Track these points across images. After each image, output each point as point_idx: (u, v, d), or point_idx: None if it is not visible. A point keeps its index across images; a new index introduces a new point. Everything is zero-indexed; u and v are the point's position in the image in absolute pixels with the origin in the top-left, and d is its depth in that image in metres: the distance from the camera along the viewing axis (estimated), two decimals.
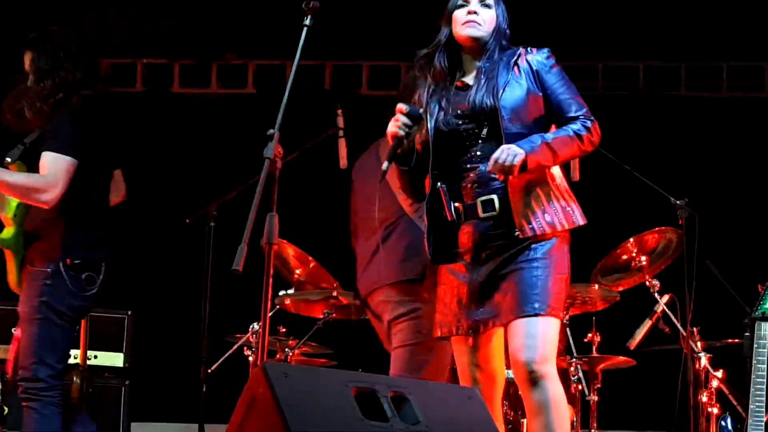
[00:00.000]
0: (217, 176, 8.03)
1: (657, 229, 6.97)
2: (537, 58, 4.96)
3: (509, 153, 4.61)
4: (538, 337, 4.65)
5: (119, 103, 9.39)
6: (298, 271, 6.98)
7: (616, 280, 7.18)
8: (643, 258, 7.01)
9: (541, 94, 4.89)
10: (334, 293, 6.80)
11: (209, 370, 6.54)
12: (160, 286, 8.18)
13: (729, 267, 6.87)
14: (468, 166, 4.82)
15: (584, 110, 4.91)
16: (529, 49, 4.99)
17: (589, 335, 7.18)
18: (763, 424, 5.83)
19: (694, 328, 6.77)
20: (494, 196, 4.76)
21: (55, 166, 5.39)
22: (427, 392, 4.36)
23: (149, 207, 8.69)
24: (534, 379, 4.63)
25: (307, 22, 4.95)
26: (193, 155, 9.11)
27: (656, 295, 6.95)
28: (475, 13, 4.86)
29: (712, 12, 8.40)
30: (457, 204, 4.79)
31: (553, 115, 4.90)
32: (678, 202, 6.83)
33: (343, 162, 6.75)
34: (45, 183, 5.39)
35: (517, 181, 4.73)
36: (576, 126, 4.85)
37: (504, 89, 4.81)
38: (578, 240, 7.60)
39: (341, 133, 6.76)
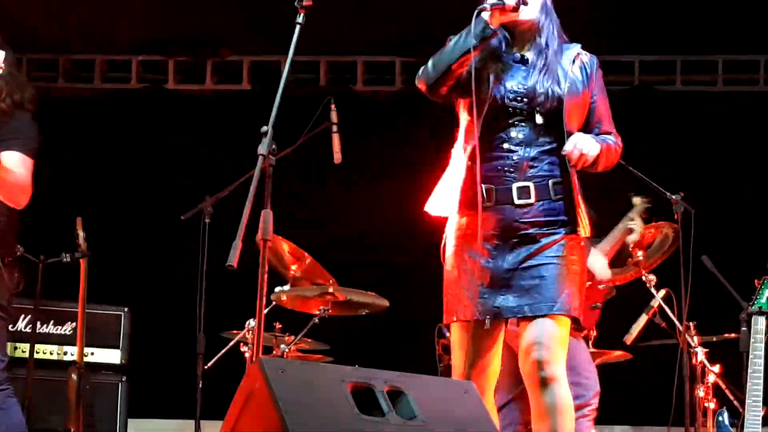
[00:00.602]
0: (213, 173, 8.02)
1: (653, 224, 6.97)
2: (592, 62, 4.99)
3: (590, 144, 4.64)
4: (554, 338, 4.63)
5: (115, 99, 9.44)
6: (293, 267, 6.97)
7: (612, 274, 7.18)
8: (640, 253, 7.01)
9: (587, 99, 4.87)
10: (330, 289, 6.79)
11: (206, 367, 6.54)
12: (156, 282, 8.17)
13: (725, 262, 6.87)
14: (505, 146, 4.71)
15: (614, 129, 4.95)
16: (583, 50, 5.00)
17: (586, 330, 7.18)
18: (760, 418, 5.84)
19: (691, 323, 6.78)
20: (530, 184, 4.69)
21: (25, 167, 5.41)
22: (424, 387, 4.36)
23: (145, 204, 8.69)
24: (544, 381, 4.61)
25: (300, 19, 4.95)
26: (189, 152, 9.11)
27: (652, 290, 6.95)
28: None
29: (707, 6, 8.40)
30: (489, 186, 4.69)
31: (587, 122, 4.87)
32: (674, 197, 6.82)
33: (337, 157, 6.76)
34: (27, 183, 5.42)
35: (574, 176, 4.71)
36: (615, 140, 4.90)
37: (567, 81, 4.78)
38: None
39: (335, 128, 6.77)
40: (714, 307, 6.91)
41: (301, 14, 4.97)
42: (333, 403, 4.16)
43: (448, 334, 7.30)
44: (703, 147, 8.59)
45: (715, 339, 6.93)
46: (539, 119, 4.70)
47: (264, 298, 4.74)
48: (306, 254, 6.98)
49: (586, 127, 4.83)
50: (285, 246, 6.94)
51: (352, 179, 8.06)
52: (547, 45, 4.84)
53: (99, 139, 9.25)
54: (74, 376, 6.87)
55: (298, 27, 5.05)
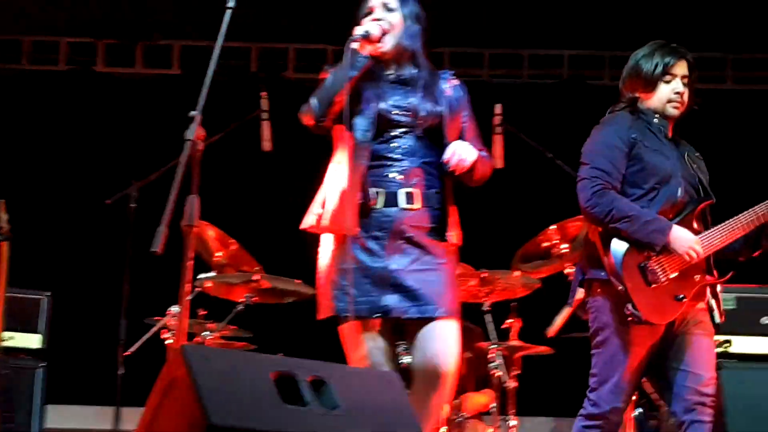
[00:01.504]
0: (140, 157, 7.96)
1: (579, 217, 7.00)
2: (462, 88, 5.19)
3: (468, 150, 4.82)
4: (453, 343, 4.87)
5: (42, 81, 9.36)
6: (219, 254, 6.94)
7: (536, 267, 7.22)
8: (565, 246, 7.05)
9: (460, 120, 5.07)
10: (255, 276, 6.77)
11: (127, 353, 6.50)
12: (80, 267, 8.11)
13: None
14: (392, 155, 4.89)
15: (485, 148, 5.15)
16: (450, 74, 5.23)
17: (509, 321, 7.22)
18: None
19: None
20: (416, 191, 4.88)
21: None
22: (347, 377, 4.36)
23: (71, 187, 8.62)
24: (443, 384, 4.87)
25: (231, 3, 4.94)
26: (117, 136, 9.05)
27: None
28: (380, 19, 4.97)
29: (635, 1, 8.47)
30: (377, 189, 4.84)
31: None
32: None
33: (267, 144, 6.74)
34: None
35: (450, 183, 4.92)
36: (487, 155, 5.11)
37: (445, 101, 5.01)
38: (500, 227, 7.65)
39: (265, 115, 6.75)
40: None
41: None
42: (256, 392, 4.14)
43: None
44: None
45: None
46: (421, 133, 4.92)
47: (188, 285, 4.73)
48: (232, 241, 6.96)
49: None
50: (211, 232, 6.91)
51: (281, 167, 8.04)
52: (421, 67, 5.08)
53: (25, 121, 9.19)
54: None
55: (228, 12, 5.03)
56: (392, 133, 4.92)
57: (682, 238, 5.01)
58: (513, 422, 7.06)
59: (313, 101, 4.90)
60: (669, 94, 5.22)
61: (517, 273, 7.16)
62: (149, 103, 9.19)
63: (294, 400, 4.16)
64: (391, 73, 5.06)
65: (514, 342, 7.18)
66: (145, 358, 6.73)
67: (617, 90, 8.77)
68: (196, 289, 6.83)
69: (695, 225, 5.11)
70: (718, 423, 4.28)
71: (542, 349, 7.25)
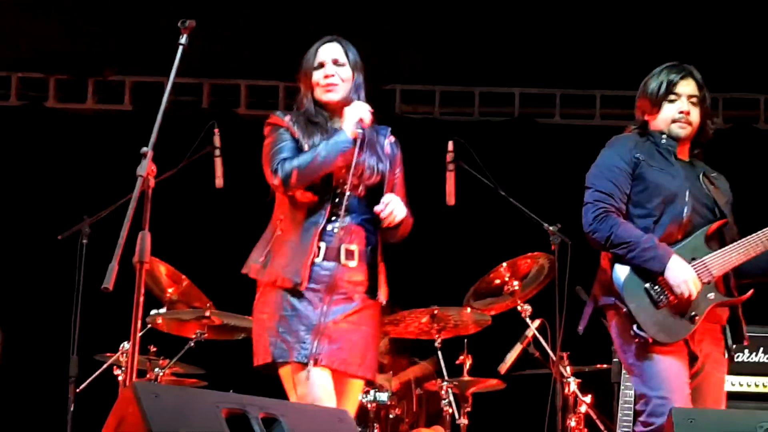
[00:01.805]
0: (92, 193, 7.92)
1: (529, 254, 7.04)
2: (397, 144, 5.32)
3: (400, 206, 4.98)
4: (351, 400, 5.13)
5: None
6: (170, 290, 6.93)
7: (488, 304, 7.23)
8: (516, 283, 7.08)
9: (395, 176, 5.24)
10: (207, 313, 6.76)
11: (78, 389, 6.46)
12: (29, 303, 8.05)
13: None
14: (337, 212, 4.97)
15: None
16: (388, 130, 5.33)
17: (461, 358, 7.23)
18: None
19: (564, 353, 6.85)
20: (355, 248, 5.02)
21: None
22: (299, 414, 4.35)
23: (21, 223, 8.57)
24: None
25: (183, 40, 4.94)
26: (68, 172, 9.00)
27: (527, 319, 7.02)
28: (332, 75, 5.10)
29: (586, 41, 8.50)
30: (320, 243, 4.95)
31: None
32: (551, 228, 6.89)
33: (219, 181, 6.73)
34: None
35: (381, 240, 5.10)
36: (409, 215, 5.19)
37: (386, 158, 5.15)
38: (452, 264, 7.65)
39: (218, 152, 6.74)
40: (587, 337, 6.96)
41: (184, 35, 4.97)
42: (207, 429, 4.13)
43: None
44: (580, 179, 8.67)
45: (587, 369, 7.01)
46: (362, 191, 5.06)
47: (139, 321, 4.70)
48: (184, 277, 6.95)
49: None
50: (162, 268, 6.89)
51: (233, 203, 8.02)
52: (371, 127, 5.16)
53: None
54: None
55: (180, 48, 5.02)
56: (338, 191, 5.00)
57: (677, 271, 4.95)
58: None
59: (295, 173, 4.95)
60: (674, 113, 5.18)
61: (468, 310, 7.17)
62: (101, 139, 9.14)
63: None
64: (338, 126, 5.12)
65: (466, 378, 7.19)
66: (96, 394, 6.70)
67: (568, 128, 8.84)
68: (148, 325, 6.83)
69: (711, 245, 5.06)
70: None
71: (493, 384, 7.26)
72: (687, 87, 5.17)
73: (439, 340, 7.25)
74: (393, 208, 4.97)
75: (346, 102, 5.10)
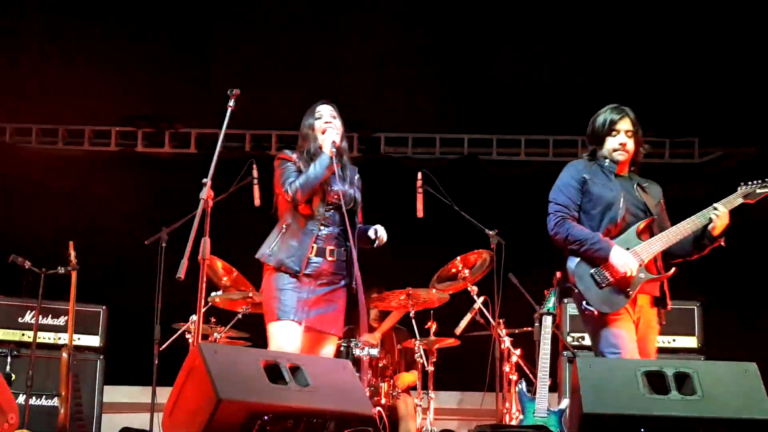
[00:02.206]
0: (168, 211, 7.86)
1: (476, 251, 7.02)
2: (359, 181, 5.47)
3: (384, 232, 5.35)
4: (331, 352, 5.33)
5: (98, 159, 9.26)
6: (224, 278, 6.90)
7: (447, 285, 7.20)
8: (467, 271, 7.05)
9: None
10: (250, 293, 6.75)
11: (160, 349, 6.44)
12: (126, 288, 8.00)
13: (525, 278, 6.94)
14: (324, 222, 5.22)
15: None
16: (356, 169, 5.52)
17: (428, 324, 7.21)
18: (547, 386, 5.88)
19: (501, 320, 6.84)
20: (334, 248, 5.23)
21: None
22: (314, 364, 4.37)
23: (121, 232, 8.51)
24: None
25: (231, 103, 5.00)
26: (152, 196, 8.94)
27: (475, 296, 7.00)
28: (331, 122, 5.38)
29: (513, 99, 8.48)
30: (313, 244, 5.17)
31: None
32: (491, 232, 6.91)
33: (257, 201, 6.73)
34: None
35: (354, 247, 5.21)
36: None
37: (358, 189, 5.41)
38: (421, 257, 7.64)
39: (255, 181, 6.75)
40: (517, 309, 6.97)
41: (232, 100, 4.99)
42: (251, 375, 4.13)
43: None
44: (511, 197, 8.68)
45: (517, 331, 6.99)
46: (343, 210, 5.19)
47: (202, 300, 4.72)
48: (234, 269, 6.93)
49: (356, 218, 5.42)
50: (219, 263, 6.87)
51: (267, 217, 8.01)
52: (345, 161, 5.39)
53: (85, 182, 9.09)
54: (65, 355, 6.73)
55: (229, 109, 5.05)
56: (326, 208, 5.22)
57: (619, 257, 4.88)
58: (432, 395, 7.05)
59: (299, 188, 5.14)
60: (615, 145, 5.09)
61: (433, 290, 7.15)
62: (175, 173, 9.09)
63: (277, 380, 4.15)
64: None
65: (432, 338, 7.18)
66: (173, 352, 6.68)
67: (501, 162, 8.74)
68: (209, 303, 6.80)
69: (642, 237, 4.99)
70: (576, 401, 4.25)
71: (451, 342, 7.24)
72: (624, 124, 5.11)
73: (412, 312, 7.24)
74: (382, 234, 5.33)
75: (338, 148, 5.30)
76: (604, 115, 5.15)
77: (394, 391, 7.13)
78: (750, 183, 5.09)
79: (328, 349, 5.27)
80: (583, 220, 5.07)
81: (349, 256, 5.22)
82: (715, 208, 4.95)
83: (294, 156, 5.30)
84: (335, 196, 5.20)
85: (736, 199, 5.02)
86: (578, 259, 5.02)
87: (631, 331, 4.92)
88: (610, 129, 5.10)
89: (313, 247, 5.14)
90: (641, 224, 5.01)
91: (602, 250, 4.92)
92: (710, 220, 4.93)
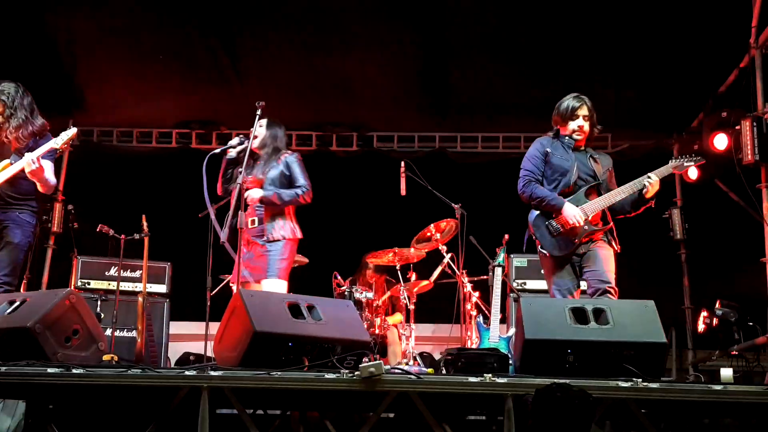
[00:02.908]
0: (215, 191, 7.86)
1: (445, 219, 7.04)
2: (291, 157, 5.42)
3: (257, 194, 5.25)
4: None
5: (162, 154, 9.17)
6: None
7: (424, 245, 7.23)
8: (438, 234, 7.08)
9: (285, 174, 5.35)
10: None
11: (211, 294, 6.42)
12: (186, 248, 7.95)
13: (482, 238, 6.95)
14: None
15: (305, 184, 5.34)
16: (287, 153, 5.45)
17: (409, 274, 7.23)
18: (498, 319, 5.90)
19: (464, 270, 6.86)
20: (256, 218, 5.29)
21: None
22: (325, 303, 4.38)
23: (178, 208, 8.47)
24: None
25: (258, 112, 5.02)
26: (199, 183, 8.89)
27: (444, 253, 7.03)
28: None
29: (474, 100, 8.42)
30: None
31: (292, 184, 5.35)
32: (456, 205, 6.91)
33: (403, 192, 6.79)
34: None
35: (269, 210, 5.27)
36: (298, 190, 5.33)
37: (270, 169, 5.35)
38: (405, 224, 7.62)
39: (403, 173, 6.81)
40: (476, 262, 6.98)
41: (259, 110, 4.99)
42: (277, 312, 4.14)
43: (338, 278, 7.29)
44: (471, 180, 8.65)
45: (476, 278, 7.02)
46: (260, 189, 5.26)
47: (240, 257, 4.72)
48: None
49: (292, 185, 5.34)
50: None
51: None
52: (264, 158, 5.39)
53: (153, 171, 9.05)
54: (141, 299, 6.75)
55: (257, 117, 5.07)
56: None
57: (569, 210, 4.90)
58: (413, 326, 7.08)
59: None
60: (574, 127, 5.07)
61: (413, 249, 7.16)
62: (219, 165, 9.03)
63: (298, 316, 4.16)
64: (259, 161, 5.48)
65: (413, 283, 7.20)
66: (220, 296, 6.68)
67: (465, 154, 8.65)
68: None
69: (589, 197, 4.98)
70: (519, 330, 4.27)
71: (427, 287, 7.27)
72: (583, 110, 5.06)
73: (398, 266, 7.25)
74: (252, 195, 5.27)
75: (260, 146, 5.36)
76: (567, 102, 5.09)
77: (385, 324, 7.17)
78: (680, 157, 5.11)
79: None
80: (545, 183, 5.06)
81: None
82: (649, 177, 4.96)
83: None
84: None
85: (667, 169, 5.04)
86: (537, 212, 5.04)
87: (571, 270, 4.96)
88: (571, 114, 5.06)
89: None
90: (589, 187, 5.01)
91: (557, 205, 4.94)
92: (644, 186, 4.91)
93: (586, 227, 4.91)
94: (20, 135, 5.16)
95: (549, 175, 5.05)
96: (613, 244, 5.01)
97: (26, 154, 5.10)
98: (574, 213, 4.89)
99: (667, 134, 8.43)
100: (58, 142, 5.15)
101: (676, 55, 7.07)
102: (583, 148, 5.12)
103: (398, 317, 7.48)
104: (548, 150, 5.07)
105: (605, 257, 4.94)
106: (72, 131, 5.20)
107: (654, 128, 8.37)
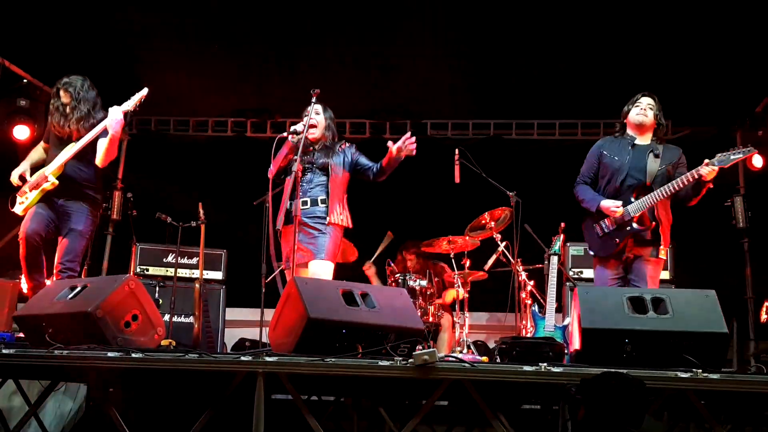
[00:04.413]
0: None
1: (500, 207, 7.00)
2: (351, 148, 5.37)
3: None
4: (325, 272, 5.07)
5: (216, 142, 9.28)
6: None
7: (478, 233, 7.20)
8: (493, 223, 7.04)
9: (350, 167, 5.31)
10: None
11: (266, 281, 6.49)
12: (242, 236, 8.06)
13: (538, 227, 6.89)
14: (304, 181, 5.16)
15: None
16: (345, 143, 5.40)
17: (464, 261, 7.21)
18: (553, 308, 5.87)
19: (519, 259, 6.81)
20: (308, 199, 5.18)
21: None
22: (379, 291, 4.38)
23: (240, 195, 8.59)
24: None
25: (313, 100, 5.02)
26: (258, 168, 8.97)
27: (499, 242, 6.99)
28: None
29: (527, 88, 8.35)
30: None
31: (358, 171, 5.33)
32: (511, 193, 6.86)
33: (457, 179, 6.75)
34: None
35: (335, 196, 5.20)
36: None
37: (336, 158, 5.26)
38: (459, 212, 7.60)
39: (457, 161, 6.79)
40: (531, 250, 6.93)
41: (314, 97, 5.00)
42: (331, 299, 4.16)
43: (391, 266, 7.30)
44: (526, 167, 8.59)
45: (531, 267, 6.97)
46: (323, 176, 5.23)
47: (295, 245, 4.75)
48: None
49: (360, 168, 5.32)
50: None
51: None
52: (327, 144, 5.32)
53: (209, 159, 9.14)
54: (198, 285, 6.84)
55: (312, 103, 5.08)
56: (307, 170, 5.24)
57: (605, 203, 4.99)
58: (467, 315, 7.06)
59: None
60: (637, 111, 5.11)
61: (467, 237, 7.14)
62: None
63: (352, 303, 4.18)
64: (317, 150, 5.34)
65: (467, 272, 7.17)
66: (275, 283, 6.72)
67: (520, 141, 8.56)
68: None
69: (635, 197, 4.98)
70: (576, 319, 4.22)
71: (481, 275, 7.24)
72: (645, 99, 5.12)
73: (452, 254, 7.23)
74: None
75: (319, 138, 5.32)
76: (633, 98, 5.17)
77: (438, 312, 7.16)
78: (725, 152, 4.97)
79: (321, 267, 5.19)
80: (596, 185, 5.17)
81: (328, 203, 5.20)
82: (713, 164, 4.84)
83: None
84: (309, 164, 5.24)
85: (729, 158, 4.88)
86: (587, 216, 5.12)
87: (615, 270, 4.99)
88: (634, 103, 5.13)
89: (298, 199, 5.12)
90: (634, 187, 5.01)
91: (594, 202, 5.03)
92: (700, 176, 4.84)
93: (628, 228, 4.91)
94: (81, 127, 5.30)
95: (602, 174, 5.15)
96: (661, 253, 5.00)
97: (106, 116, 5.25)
98: (610, 204, 4.97)
99: (730, 120, 8.24)
100: (129, 104, 5.28)
101: (740, 40, 6.91)
102: (646, 144, 5.10)
103: (453, 293, 7.41)
104: (603, 151, 5.15)
105: (652, 277, 4.98)
106: (143, 91, 5.32)
107: (716, 114, 8.19)
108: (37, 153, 5.58)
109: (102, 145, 5.28)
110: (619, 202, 4.93)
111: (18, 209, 5.37)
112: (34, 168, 5.50)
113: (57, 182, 5.27)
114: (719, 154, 4.89)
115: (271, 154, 5.15)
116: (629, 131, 5.12)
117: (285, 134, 5.16)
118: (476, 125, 9.10)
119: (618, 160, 5.04)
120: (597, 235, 5.01)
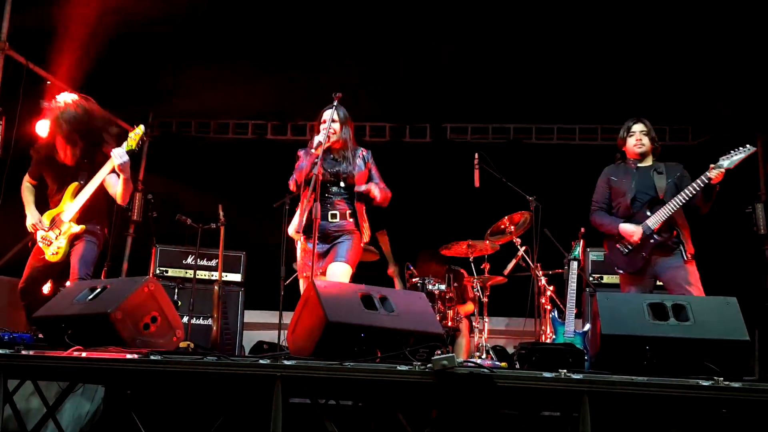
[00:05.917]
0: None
1: (519, 212, 6.96)
2: (368, 154, 5.30)
3: (376, 188, 5.16)
4: (345, 274, 5.03)
5: (237, 144, 9.31)
6: None
7: (497, 238, 7.17)
8: (512, 227, 7.00)
9: (365, 171, 5.24)
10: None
11: (285, 283, 6.50)
12: (261, 239, 8.08)
13: (557, 231, 6.84)
14: (328, 194, 5.13)
15: (383, 183, 5.31)
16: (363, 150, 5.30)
17: (483, 265, 7.17)
18: (573, 314, 5.83)
19: (538, 264, 6.76)
20: (337, 212, 5.14)
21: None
22: (398, 295, 4.35)
23: (255, 199, 8.60)
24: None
25: (335, 103, 5.00)
26: (279, 171, 9.00)
27: (518, 246, 6.94)
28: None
29: (548, 92, 8.32)
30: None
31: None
32: (530, 198, 6.82)
33: (477, 184, 6.78)
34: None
35: (361, 209, 5.19)
36: (384, 187, 5.27)
37: (354, 167, 5.18)
38: (479, 216, 7.57)
39: (477, 165, 6.81)
40: (551, 255, 6.88)
41: (336, 100, 4.99)
42: (350, 303, 4.13)
43: (411, 269, 7.27)
44: (545, 172, 8.52)
45: (551, 272, 6.92)
46: (342, 184, 5.15)
47: (315, 247, 4.73)
48: None
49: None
50: None
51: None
52: (345, 151, 5.22)
53: (230, 161, 9.17)
54: (216, 287, 6.85)
55: (334, 105, 5.06)
56: (328, 183, 5.17)
57: (624, 228, 5.18)
58: (486, 319, 7.02)
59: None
60: (633, 142, 5.33)
61: (487, 241, 7.10)
62: (293, 155, 9.13)
63: (371, 307, 4.15)
64: (332, 154, 5.24)
65: (486, 276, 7.13)
66: (293, 285, 6.72)
67: (539, 146, 8.52)
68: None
69: (651, 211, 5.15)
70: (595, 325, 4.19)
71: (500, 280, 7.20)
72: (638, 127, 5.35)
73: (471, 258, 7.20)
74: (372, 189, 5.14)
75: (340, 143, 5.20)
76: (625, 124, 5.39)
77: (458, 317, 7.12)
78: (729, 153, 5.07)
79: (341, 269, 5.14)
80: (610, 209, 5.38)
81: (356, 217, 5.18)
82: (720, 166, 4.95)
83: (302, 152, 5.26)
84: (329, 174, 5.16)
85: (732, 158, 4.99)
86: (607, 238, 5.32)
87: (644, 285, 5.16)
88: (628, 132, 5.36)
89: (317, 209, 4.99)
90: (648, 203, 5.18)
91: (612, 226, 5.24)
92: (709, 179, 4.97)
93: (651, 240, 5.11)
94: (82, 155, 5.34)
95: (614, 198, 5.35)
96: (685, 255, 5.08)
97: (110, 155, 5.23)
98: (629, 228, 5.15)
99: (751, 126, 8.17)
100: (130, 144, 5.26)
101: (761, 45, 6.84)
102: (648, 165, 5.33)
103: (469, 307, 7.42)
104: (611, 177, 5.37)
105: (691, 282, 5.02)
106: (140, 128, 5.30)
107: (737, 120, 8.12)
108: (32, 194, 5.56)
109: (118, 187, 5.29)
110: (638, 227, 5.11)
111: (53, 258, 5.35)
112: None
113: (84, 226, 5.31)
114: (722, 157, 5.01)
115: (295, 167, 5.15)
116: (629, 158, 5.37)
117: (312, 149, 5.11)
118: (496, 129, 9.07)
119: (626, 183, 5.28)
120: (622, 253, 5.20)
